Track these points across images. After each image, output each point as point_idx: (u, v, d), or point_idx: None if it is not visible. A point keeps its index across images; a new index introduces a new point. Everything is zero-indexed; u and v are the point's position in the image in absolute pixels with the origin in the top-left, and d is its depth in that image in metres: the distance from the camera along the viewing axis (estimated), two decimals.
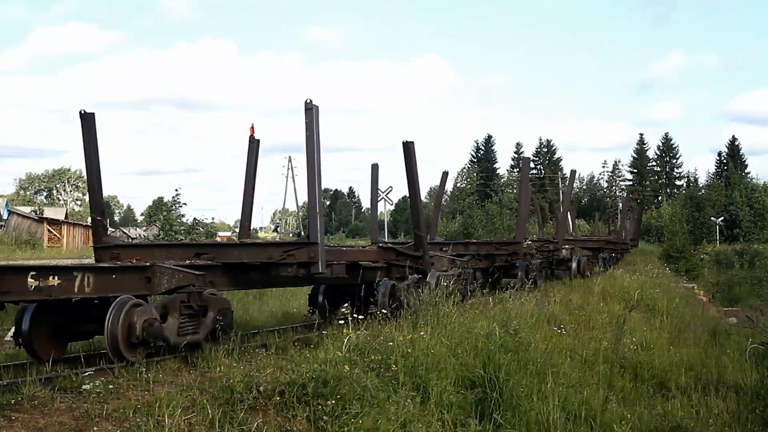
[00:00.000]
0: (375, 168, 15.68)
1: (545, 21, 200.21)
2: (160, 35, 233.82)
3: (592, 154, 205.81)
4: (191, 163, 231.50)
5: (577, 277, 20.63)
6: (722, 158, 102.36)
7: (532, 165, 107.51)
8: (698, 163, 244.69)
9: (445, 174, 20.00)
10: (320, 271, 8.90)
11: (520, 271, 17.17)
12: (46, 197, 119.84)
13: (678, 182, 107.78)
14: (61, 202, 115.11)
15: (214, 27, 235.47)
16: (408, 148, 11.75)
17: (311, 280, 9.84)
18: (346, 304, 8.77)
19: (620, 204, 42.68)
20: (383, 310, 9.54)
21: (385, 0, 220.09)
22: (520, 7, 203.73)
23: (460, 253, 14.72)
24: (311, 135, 8.77)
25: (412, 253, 11.66)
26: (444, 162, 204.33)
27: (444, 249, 14.02)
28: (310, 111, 8.77)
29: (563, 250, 21.00)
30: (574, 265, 21.35)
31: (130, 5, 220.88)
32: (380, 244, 12.21)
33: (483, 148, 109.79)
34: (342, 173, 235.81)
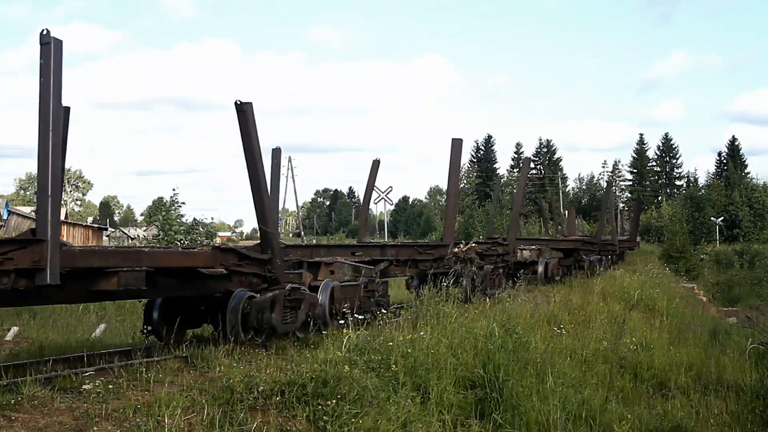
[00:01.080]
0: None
1: (547, 21, 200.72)
2: (162, 35, 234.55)
3: (594, 155, 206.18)
4: (192, 163, 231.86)
5: (545, 282, 18.60)
6: (722, 158, 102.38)
7: (531, 165, 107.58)
8: (699, 163, 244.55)
9: (376, 162, 16.16)
10: (47, 281, 5.96)
11: (465, 278, 14.40)
12: None
13: (678, 182, 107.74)
14: (61, 202, 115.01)
15: (217, 27, 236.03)
16: (243, 111, 8.53)
17: (41, 298, 6.98)
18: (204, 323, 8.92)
19: (620, 204, 41.04)
20: (240, 335, 8.24)
21: (387, 0, 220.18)
22: (522, 7, 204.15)
23: (375, 258, 12.47)
24: None
25: (258, 256, 8.90)
26: (445, 162, 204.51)
27: (356, 253, 12.10)
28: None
29: (523, 252, 18.62)
30: (540, 269, 18.88)
31: (134, 5, 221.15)
32: (218, 245, 9.45)
33: (483, 148, 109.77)
34: (342, 173, 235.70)
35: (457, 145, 14.17)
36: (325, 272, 10.44)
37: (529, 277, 18.39)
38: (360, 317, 9.39)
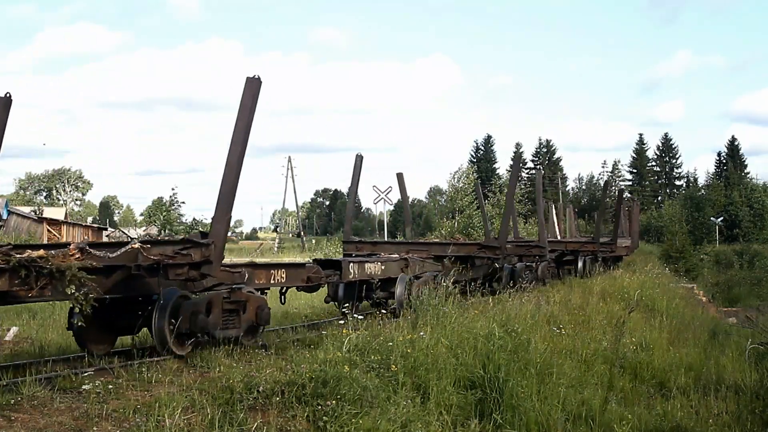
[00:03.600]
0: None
1: (553, 22, 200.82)
2: (167, 36, 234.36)
3: (596, 155, 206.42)
4: (194, 164, 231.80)
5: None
6: (722, 158, 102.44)
7: (531, 165, 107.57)
8: (700, 163, 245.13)
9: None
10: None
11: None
12: (45, 197, 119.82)
13: (678, 182, 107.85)
14: (61, 202, 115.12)
15: (222, 27, 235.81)
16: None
17: None
18: None
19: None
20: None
21: (391, 0, 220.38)
22: (527, 8, 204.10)
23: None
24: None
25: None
26: (446, 162, 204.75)
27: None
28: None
29: (367, 266, 11.74)
30: (399, 290, 11.90)
31: (140, 5, 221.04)
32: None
33: (482, 148, 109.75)
34: (342, 173, 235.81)
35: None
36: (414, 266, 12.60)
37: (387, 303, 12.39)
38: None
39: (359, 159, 15.43)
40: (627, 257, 32.65)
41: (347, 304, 10.64)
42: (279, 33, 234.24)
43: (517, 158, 22.94)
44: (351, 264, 11.15)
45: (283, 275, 9.55)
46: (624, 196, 35.89)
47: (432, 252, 13.99)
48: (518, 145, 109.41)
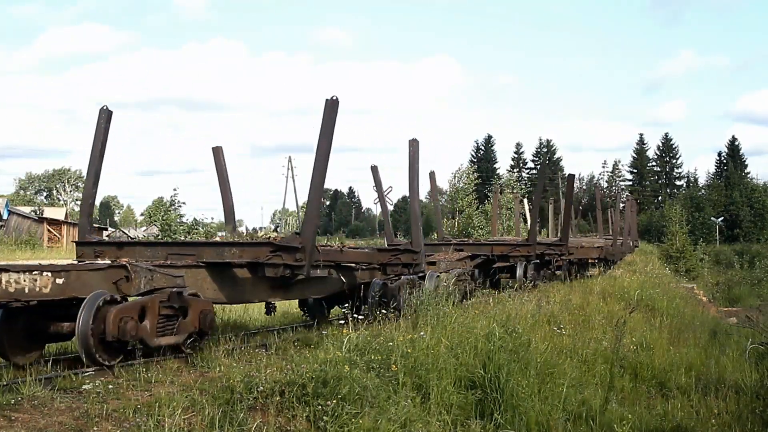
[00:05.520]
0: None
1: (556, 22, 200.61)
2: (171, 36, 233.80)
3: (597, 155, 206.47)
4: (195, 164, 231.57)
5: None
6: (722, 158, 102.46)
7: (531, 165, 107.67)
8: (701, 163, 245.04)
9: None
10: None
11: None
12: (46, 197, 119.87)
13: (678, 182, 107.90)
14: (61, 202, 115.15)
15: (226, 27, 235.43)
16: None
17: None
18: None
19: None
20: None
21: (395, 0, 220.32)
22: (531, 8, 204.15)
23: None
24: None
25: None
26: (448, 162, 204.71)
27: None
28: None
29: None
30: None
31: (145, 4, 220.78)
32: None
33: (483, 148, 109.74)
34: (342, 173, 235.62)
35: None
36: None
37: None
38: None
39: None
40: (622, 259, 30.50)
41: None
42: (283, 33, 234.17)
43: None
44: None
45: None
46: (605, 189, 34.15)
47: (205, 256, 9.06)
48: (519, 145, 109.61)
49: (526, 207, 39.75)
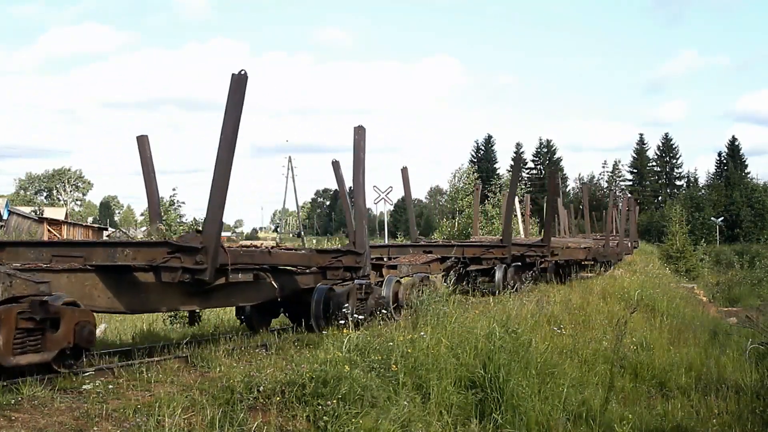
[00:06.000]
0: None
1: (557, 22, 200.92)
2: (172, 36, 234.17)
3: (598, 154, 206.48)
4: (196, 164, 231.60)
5: None
6: (722, 158, 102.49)
7: (531, 165, 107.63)
8: (701, 163, 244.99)
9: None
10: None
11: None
12: (46, 197, 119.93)
13: (678, 182, 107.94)
14: (61, 202, 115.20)
15: (227, 27, 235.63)
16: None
17: None
18: None
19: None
20: None
21: (396, 0, 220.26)
22: (532, 8, 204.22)
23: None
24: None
25: None
26: (447, 162, 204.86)
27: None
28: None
29: None
30: None
31: (145, 4, 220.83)
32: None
33: (483, 148, 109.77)
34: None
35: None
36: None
37: None
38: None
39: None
40: (621, 261, 29.47)
41: None
42: (284, 33, 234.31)
43: (552, 174, 19.80)
44: None
45: None
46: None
47: (95, 258, 7.70)
48: (519, 145, 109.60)
49: (517, 206, 39.44)
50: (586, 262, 22.80)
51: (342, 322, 8.71)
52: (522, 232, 32.22)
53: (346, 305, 9.43)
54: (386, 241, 29.90)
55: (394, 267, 12.35)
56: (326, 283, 9.96)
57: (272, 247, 9.65)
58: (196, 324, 9.42)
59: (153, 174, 11.08)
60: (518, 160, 19.89)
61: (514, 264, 16.41)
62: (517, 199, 41.26)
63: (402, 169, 17.54)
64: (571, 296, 16.07)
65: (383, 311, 10.05)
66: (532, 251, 17.28)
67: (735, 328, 18.39)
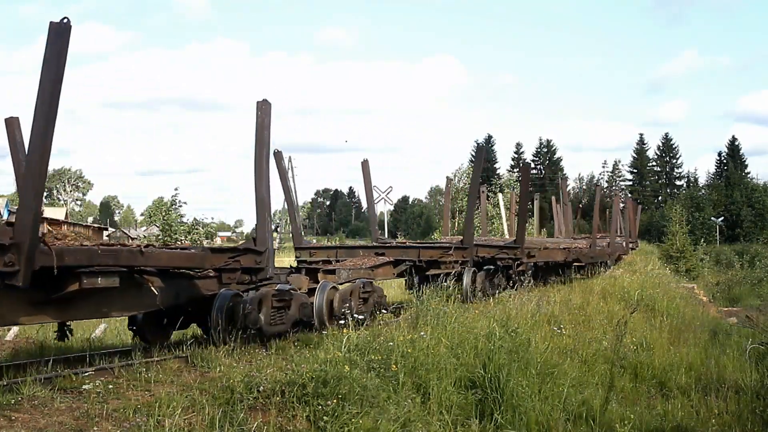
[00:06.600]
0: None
1: (557, 22, 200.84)
2: (173, 36, 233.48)
3: (599, 154, 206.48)
4: (196, 163, 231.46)
5: None
6: (722, 158, 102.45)
7: (531, 165, 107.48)
8: (701, 163, 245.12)
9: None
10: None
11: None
12: (46, 197, 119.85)
13: (678, 182, 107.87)
14: (62, 202, 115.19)
15: (228, 27, 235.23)
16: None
17: None
18: None
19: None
20: None
21: (397, 0, 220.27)
22: (533, 8, 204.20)
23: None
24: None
25: None
26: (449, 161, 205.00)
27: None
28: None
29: None
30: None
31: (146, 5, 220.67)
32: None
33: (483, 148, 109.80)
34: (342, 173, 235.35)
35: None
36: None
37: None
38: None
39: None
40: (618, 262, 28.40)
41: None
42: (284, 33, 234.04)
43: (525, 171, 18.03)
44: None
45: None
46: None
47: None
48: (519, 145, 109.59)
49: (501, 203, 39.01)
50: (577, 264, 21.37)
51: (253, 332, 8.04)
52: (506, 231, 31.34)
53: (259, 315, 8.43)
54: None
55: (332, 272, 10.89)
56: (233, 288, 8.57)
57: (147, 245, 7.94)
58: (66, 339, 7.76)
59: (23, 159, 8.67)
60: (480, 150, 18.36)
61: (485, 267, 15.06)
62: (502, 197, 41.14)
63: (362, 162, 16.72)
64: (571, 296, 16.07)
65: (310, 322, 9.15)
66: (504, 253, 15.51)
67: (735, 328, 18.41)
